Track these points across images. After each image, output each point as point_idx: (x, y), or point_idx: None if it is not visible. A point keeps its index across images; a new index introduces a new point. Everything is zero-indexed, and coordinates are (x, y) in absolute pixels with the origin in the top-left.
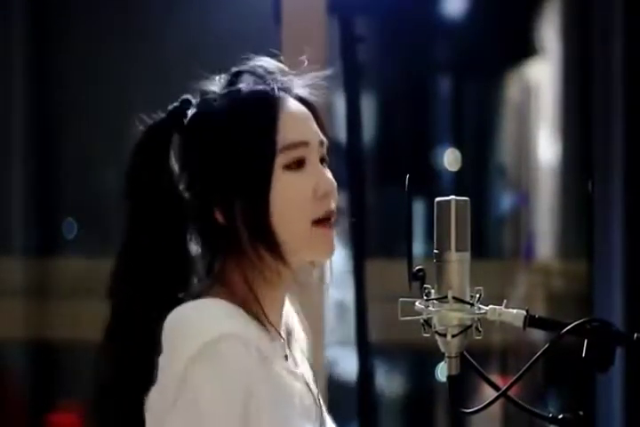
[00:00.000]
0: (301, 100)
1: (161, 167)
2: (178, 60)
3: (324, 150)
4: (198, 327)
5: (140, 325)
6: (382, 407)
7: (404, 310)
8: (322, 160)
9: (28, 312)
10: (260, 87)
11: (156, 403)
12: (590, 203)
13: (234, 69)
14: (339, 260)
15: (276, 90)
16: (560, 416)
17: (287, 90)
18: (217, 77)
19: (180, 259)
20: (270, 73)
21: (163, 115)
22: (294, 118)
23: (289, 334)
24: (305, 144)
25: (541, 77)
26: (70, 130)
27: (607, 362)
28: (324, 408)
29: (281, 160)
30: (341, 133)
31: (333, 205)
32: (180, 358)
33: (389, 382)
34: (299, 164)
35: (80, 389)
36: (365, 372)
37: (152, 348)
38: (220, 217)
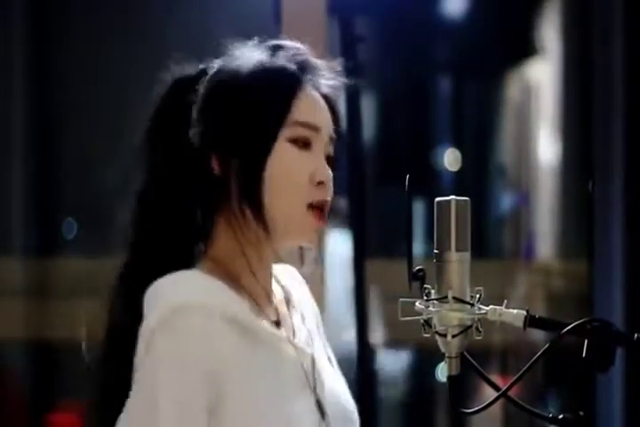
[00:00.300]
0: (325, 97)
1: (184, 121)
2: (178, 60)
3: (331, 150)
4: (162, 299)
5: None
6: (382, 408)
7: (405, 310)
8: (326, 156)
9: (27, 312)
10: (289, 65)
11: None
12: (590, 203)
13: (275, 42)
14: (339, 260)
15: (302, 74)
16: (560, 416)
17: (315, 81)
18: (251, 45)
19: (187, 235)
20: (306, 59)
21: (192, 69)
22: (314, 103)
23: (287, 300)
24: (315, 129)
25: (541, 77)
26: (70, 130)
27: (607, 362)
28: (325, 374)
29: (288, 132)
30: (342, 133)
31: (328, 197)
32: (144, 330)
33: (389, 382)
34: (305, 144)
35: (80, 389)
36: (365, 371)
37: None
38: (215, 166)
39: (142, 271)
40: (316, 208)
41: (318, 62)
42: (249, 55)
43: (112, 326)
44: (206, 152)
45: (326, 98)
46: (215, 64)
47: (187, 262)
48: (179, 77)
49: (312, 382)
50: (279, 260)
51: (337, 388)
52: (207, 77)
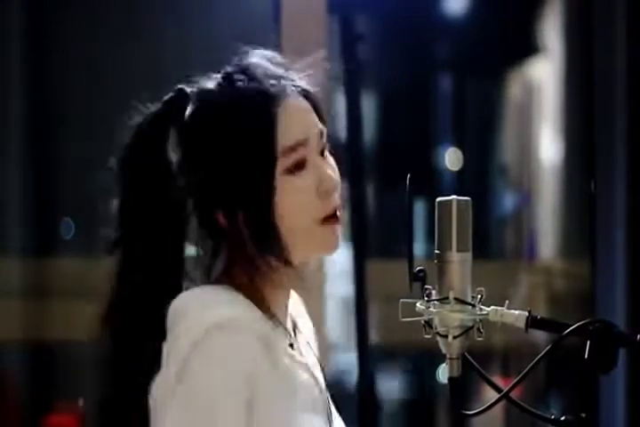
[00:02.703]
0: (300, 91)
1: (158, 158)
2: (177, 59)
3: (324, 140)
4: (200, 313)
5: (138, 319)
6: (383, 409)
7: (405, 311)
8: (322, 151)
9: (25, 313)
10: (256, 85)
11: (158, 390)
12: (593, 202)
13: (229, 68)
14: (340, 260)
15: (273, 87)
16: (562, 418)
17: (284, 85)
18: (213, 75)
19: (174, 255)
20: (266, 70)
21: (158, 105)
22: (292, 116)
23: (294, 325)
24: (304, 143)
25: (543, 76)
26: (68, 129)
27: (610, 363)
28: (330, 401)
29: (282, 165)
30: (342, 133)
31: (338, 200)
32: (182, 343)
33: (390, 384)
34: (299, 166)
35: (78, 390)
36: (366, 373)
37: (153, 336)
38: (222, 221)
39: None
40: (328, 217)
41: (278, 60)
42: (212, 93)
43: (121, 340)
44: (209, 211)
45: (306, 96)
46: (181, 98)
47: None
48: (148, 116)
49: (327, 409)
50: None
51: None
52: (183, 125)
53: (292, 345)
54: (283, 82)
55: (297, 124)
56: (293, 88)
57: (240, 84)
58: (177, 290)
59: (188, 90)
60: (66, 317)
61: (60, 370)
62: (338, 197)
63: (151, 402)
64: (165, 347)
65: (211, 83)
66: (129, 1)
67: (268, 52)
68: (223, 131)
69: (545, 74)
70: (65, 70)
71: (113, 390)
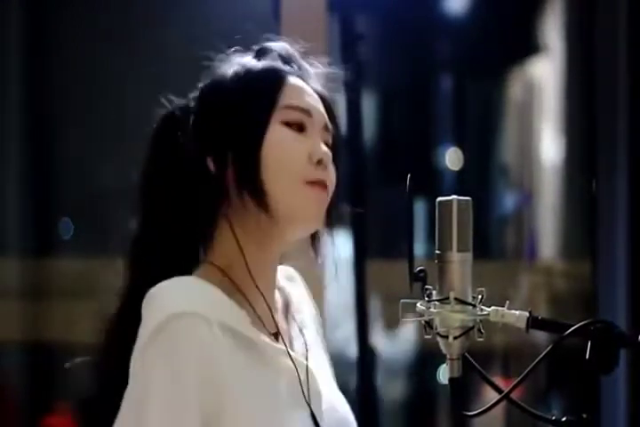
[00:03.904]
0: (317, 93)
1: (176, 148)
2: (177, 59)
3: (329, 138)
4: (160, 305)
5: None
6: (383, 409)
7: (406, 311)
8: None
9: (24, 313)
10: (276, 63)
11: None
12: (594, 202)
13: (256, 46)
14: (339, 260)
15: (292, 68)
16: (563, 419)
17: (304, 77)
18: (232, 53)
19: (191, 239)
20: (292, 55)
21: (174, 104)
22: (301, 90)
23: (286, 306)
24: (306, 112)
25: (544, 76)
26: (66, 129)
27: (611, 364)
28: (323, 385)
29: (280, 116)
30: (342, 132)
31: (328, 178)
32: (141, 336)
33: (391, 384)
34: (299, 127)
35: (76, 391)
36: (366, 373)
37: None
38: (212, 167)
39: (143, 275)
40: (316, 184)
41: (305, 61)
42: (233, 62)
43: (112, 329)
44: (202, 158)
45: (320, 95)
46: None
47: (187, 268)
48: (167, 113)
49: (307, 395)
50: (284, 258)
51: (335, 399)
52: (196, 95)
53: (275, 334)
54: (304, 73)
55: (301, 96)
56: (308, 79)
57: (258, 60)
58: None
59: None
60: (65, 317)
61: (59, 371)
62: (329, 176)
63: None
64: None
65: (224, 62)
66: (128, 1)
67: (290, 48)
68: (230, 84)
69: (546, 73)
70: (65, 70)
71: (103, 391)
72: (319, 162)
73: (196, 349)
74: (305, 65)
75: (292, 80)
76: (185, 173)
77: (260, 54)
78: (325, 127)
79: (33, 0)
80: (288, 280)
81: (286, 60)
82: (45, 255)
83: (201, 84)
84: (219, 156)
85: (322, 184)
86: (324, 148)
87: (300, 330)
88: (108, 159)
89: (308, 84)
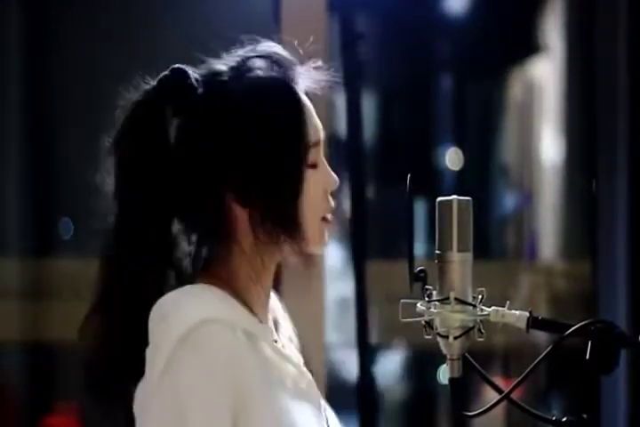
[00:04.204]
0: (306, 94)
1: (153, 141)
2: (177, 59)
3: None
4: (183, 313)
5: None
6: (383, 409)
7: (406, 311)
8: None
9: (23, 313)
10: (278, 75)
11: (143, 393)
12: (594, 202)
13: (246, 52)
14: (340, 260)
15: (294, 80)
16: (564, 419)
17: (297, 82)
18: (224, 57)
19: (165, 242)
20: (286, 61)
21: (150, 85)
22: (311, 113)
23: (275, 322)
24: (321, 141)
25: (544, 76)
26: (66, 129)
27: (611, 364)
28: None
29: (309, 157)
30: (342, 132)
31: (333, 203)
32: (165, 345)
33: (391, 384)
34: (316, 162)
35: (76, 391)
36: (366, 373)
37: (137, 340)
38: (233, 206)
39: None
40: (326, 220)
41: (292, 57)
42: (225, 76)
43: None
44: (217, 190)
45: (307, 95)
46: (178, 77)
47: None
48: (141, 100)
49: (319, 402)
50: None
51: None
52: (193, 107)
53: (275, 341)
54: (297, 77)
55: (316, 123)
56: (302, 88)
57: (257, 70)
58: (163, 286)
59: (190, 70)
60: (64, 317)
61: (59, 371)
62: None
63: (135, 409)
64: (148, 351)
65: (220, 64)
66: (128, 1)
67: (281, 48)
68: (248, 114)
69: (546, 73)
70: (65, 70)
71: (96, 395)
72: (332, 193)
73: (226, 353)
74: (296, 64)
75: (304, 101)
76: (178, 182)
77: (250, 59)
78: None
79: (33, 0)
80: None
81: (281, 66)
82: (45, 255)
83: (202, 90)
84: (245, 198)
85: (328, 218)
86: (335, 176)
87: (290, 338)
88: (109, 159)
89: (299, 85)
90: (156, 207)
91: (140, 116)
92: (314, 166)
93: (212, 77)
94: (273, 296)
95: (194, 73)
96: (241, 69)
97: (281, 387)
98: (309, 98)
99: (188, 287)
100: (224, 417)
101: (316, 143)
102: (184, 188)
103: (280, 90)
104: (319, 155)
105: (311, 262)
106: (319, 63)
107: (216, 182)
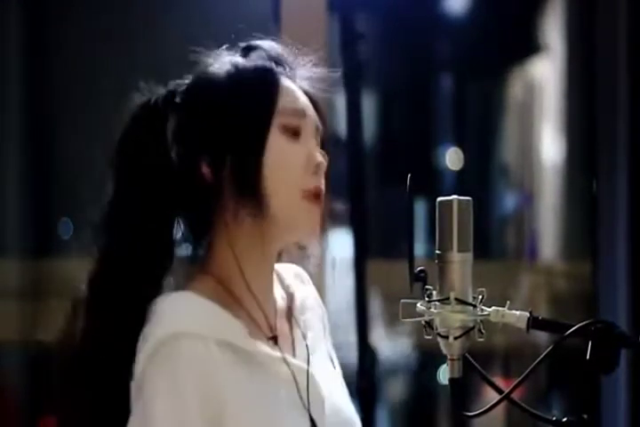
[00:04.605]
0: (306, 93)
1: (156, 147)
2: (177, 59)
3: (319, 139)
4: (156, 325)
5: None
6: (384, 410)
7: (406, 311)
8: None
9: (23, 314)
10: (267, 62)
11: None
12: (594, 203)
13: (243, 44)
14: (340, 259)
15: (283, 69)
16: (564, 419)
17: (291, 77)
18: (220, 51)
19: (165, 239)
20: (280, 55)
21: (155, 92)
22: (293, 92)
23: (289, 306)
24: (302, 114)
25: (545, 75)
26: (66, 130)
27: (612, 364)
28: (326, 388)
29: (278, 120)
30: (342, 132)
31: (323, 184)
32: (140, 358)
33: (391, 384)
34: (294, 132)
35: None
36: (366, 373)
37: (128, 337)
38: (206, 171)
39: (116, 288)
40: (311, 195)
41: (293, 57)
42: (222, 61)
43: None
44: (193, 161)
45: (307, 93)
46: (185, 81)
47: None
48: (146, 102)
49: (306, 402)
50: (279, 261)
51: (338, 402)
52: (183, 90)
53: (274, 338)
54: (290, 72)
55: (295, 98)
56: (297, 79)
57: (248, 59)
58: (158, 285)
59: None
60: (64, 318)
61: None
62: (321, 181)
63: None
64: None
65: (215, 57)
66: (127, 2)
67: (278, 46)
68: (224, 86)
69: (546, 73)
70: (64, 70)
71: (92, 393)
72: (315, 168)
73: (194, 368)
74: (293, 64)
75: (284, 82)
76: (173, 175)
77: (248, 52)
78: (317, 128)
79: (33, 0)
80: (295, 279)
81: (275, 59)
82: (45, 255)
83: (188, 81)
84: (215, 160)
85: (317, 194)
86: (319, 155)
87: (303, 333)
88: (109, 159)
89: (295, 83)
90: (154, 204)
91: (143, 121)
92: (287, 132)
93: (202, 68)
94: (298, 275)
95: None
96: (229, 55)
97: (265, 394)
98: (308, 95)
99: (171, 296)
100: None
101: (293, 111)
102: (179, 179)
103: (259, 69)
104: (300, 125)
105: (304, 249)
106: (315, 61)
107: (192, 152)
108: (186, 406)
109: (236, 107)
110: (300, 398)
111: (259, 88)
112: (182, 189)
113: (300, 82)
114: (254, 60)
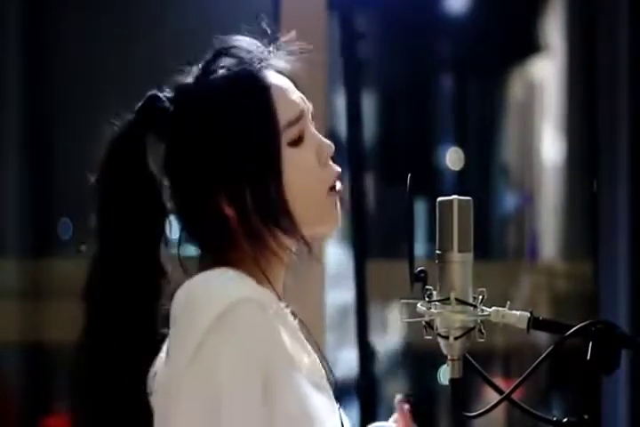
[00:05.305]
0: (280, 72)
1: (136, 169)
2: (176, 59)
3: (310, 116)
4: (210, 297)
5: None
6: (384, 410)
7: (406, 311)
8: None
9: (22, 314)
10: (243, 67)
11: (164, 379)
12: (595, 203)
13: (208, 55)
14: (340, 260)
15: (259, 67)
16: (565, 420)
17: (267, 65)
18: (189, 68)
19: (153, 263)
20: (248, 51)
21: (130, 115)
22: (284, 92)
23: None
24: (301, 116)
25: (545, 75)
26: (66, 130)
27: (612, 364)
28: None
29: (285, 138)
30: (342, 132)
31: (337, 168)
32: (196, 329)
33: (391, 385)
34: (299, 138)
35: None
36: (366, 373)
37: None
38: (226, 207)
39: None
40: (333, 190)
41: (255, 42)
42: (191, 84)
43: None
44: (210, 199)
45: (287, 76)
46: (153, 103)
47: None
48: (122, 129)
49: (333, 386)
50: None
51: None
52: (170, 115)
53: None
54: (265, 61)
55: (290, 100)
56: (274, 68)
57: (221, 70)
58: (155, 293)
59: (161, 94)
60: (63, 318)
61: (57, 372)
62: (336, 166)
63: (153, 399)
64: (172, 336)
65: (188, 76)
66: (126, 1)
67: (243, 37)
68: (217, 112)
69: (547, 72)
70: (64, 70)
71: (102, 390)
72: (327, 159)
73: (260, 333)
74: (264, 53)
75: (272, 84)
76: (160, 206)
77: (215, 61)
78: (308, 109)
79: (33, 0)
80: None
81: (243, 58)
82: (44, 256)
83: (172, 108)
84: (234, 196)
85: (335, 187)
86: (323, 142)
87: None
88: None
89: (275, 67)
90: (140, 224)
91: (122, 149)
92: (295, 144)
93: (180, 92)
94: None
95: (165, 95)
96: (205, 75)
97: (301, 373)
98: (285, 75)
99: (211, 271)
100: (258, 399)
101: (295, 120)
102: (181, 204)
103: (243, 82)
104: (303, 127)
105: (314, 254)
106: (288, 37)
107: (205, 190)
108: (254, 369)
109: (240, 139)
110: (325, 383)
111: (255, 104)
112: (199, 224)
113: (276, 62)
114: (233, 70)
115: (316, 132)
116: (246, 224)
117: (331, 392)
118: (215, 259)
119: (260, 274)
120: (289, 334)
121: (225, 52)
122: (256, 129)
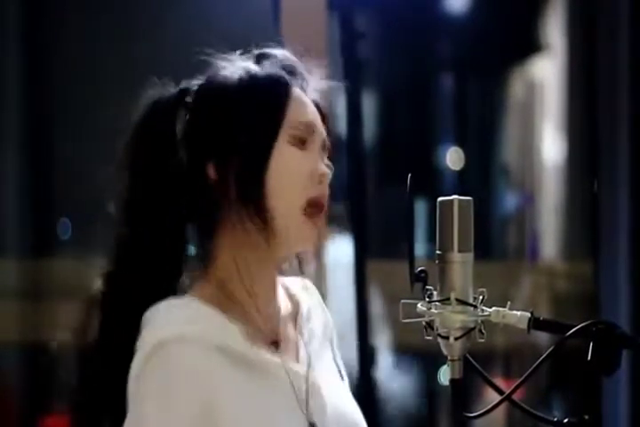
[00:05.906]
0: (315, 103)
1: (166, 145)
2: (176, 59)
3: (326, 153)
4: (154, 330)
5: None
6: (384, 411)
7: (406, 312)
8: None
9: (22, 314)
10: (279, 71)
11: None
12: (596, 203)
13: (256, 51)
14: (340, 260)
15: (294, 79)
16: (565, 420)
17: (304, 88)
18: (233, 55)
19: (177, 242)
20: (293, 65)
21: (169, 89)
22: (304, 104)
23: (295, 315)
24: (311, 129)
25: (546, 75)
26: (65, 130)
27: (613, 365)
28: (328, 393)
29: (287, 133)
30: (342, 132)
31: (327, 193)
32: (136, 360)
33: (391, 385)
34: (302, 143)
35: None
36: (366, 374)
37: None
38: (212, 172)
39: (128, 291)
40: (314, 206)
41: (304, 67)
42: (236, 65)
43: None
44: (201, 162)
45: (317, 106)
46: (197, 81)
47: (174, 278)
48: (158, 99)
49: (304, 406)
50: (282, 272)
51: (342, 408)
52: (194, 90)
53: (276, 343)
54: (300, 77)
55: (305, 111)
56: (307, 89)
57: (260, 66)
58: (170, 288)
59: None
60: (63, 318)
61: (57, 372)
62: (326, 191)
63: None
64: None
65: (225, 63)
66: (127, 1)
67: (291, 56)
68: (236, 92)
69: (547, 72)
70: (63, 70)
71: (92, 392)
72: (320, 180)
73: (189, 371)
74: (304, 74)
75: (296, 92)
76: (180, 176)
77: (261, 59)
78: (324, 142)
79: (33, 0)
80: (302, 290)
81: (288, 69)
82: (44, 256)
83: (200, 82)
84: (221, 161)
85: (321, 203)
86: (325, 167)
87: (307, 340)
88: (109, 159)
89: (306, 94)
90: (165, 203)
91: (161, 113)
92: (296, 145)
93: (215, 71)
94: (305, 287)
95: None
96: (242, 62)
97: (263, 398)
98: (315, 102)
99: (167, 301)
100: None
101: (302, 124)
102: (186, 178)
103: (271, 79)
104: (308, 138)
105: (302, 259)
106: (321, 65)
107: (199, 151)
108: (177, 410)
109: (246, 112)
110: (299, 403)
111: (270, 96)
112: (188, 189)
113: (311, 93)
114: (267, 68)
115: (322, 160)
116: (225, 189)
117: (312, 420)
118: (205, 263)
119: (238, 291)
120: (243, 368)
121: (273, 55)
122: (263, 111)
